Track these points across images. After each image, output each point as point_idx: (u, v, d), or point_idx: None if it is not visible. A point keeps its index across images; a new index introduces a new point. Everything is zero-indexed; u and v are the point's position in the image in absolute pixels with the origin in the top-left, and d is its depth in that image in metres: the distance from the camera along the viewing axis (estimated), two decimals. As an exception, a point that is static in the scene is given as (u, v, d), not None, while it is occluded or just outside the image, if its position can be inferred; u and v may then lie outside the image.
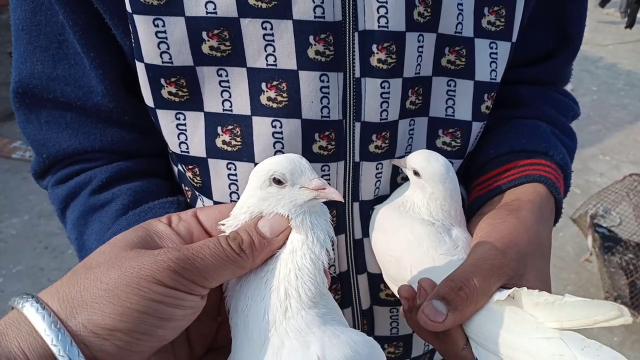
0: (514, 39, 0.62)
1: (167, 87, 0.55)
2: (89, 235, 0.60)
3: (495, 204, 0.60)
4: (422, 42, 0.57)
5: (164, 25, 0.51)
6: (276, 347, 0.39)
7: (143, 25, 0.51)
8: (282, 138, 0.55)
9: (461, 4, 0.57)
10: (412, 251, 0.55)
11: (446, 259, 0.53)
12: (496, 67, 0.62)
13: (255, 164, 0.55)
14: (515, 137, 0.66)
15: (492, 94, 0.63)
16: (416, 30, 0.56)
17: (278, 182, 0.42)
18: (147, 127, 0.60)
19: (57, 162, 0.63)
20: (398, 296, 0.53)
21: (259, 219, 0.42)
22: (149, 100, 0.56)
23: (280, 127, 0.55)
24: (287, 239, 0.42)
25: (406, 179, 0.62)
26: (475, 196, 0.64)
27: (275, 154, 0.55)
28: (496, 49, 0.61)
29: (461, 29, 0.59)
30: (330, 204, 0.58)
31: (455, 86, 0.61)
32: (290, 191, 0.42)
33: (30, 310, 0.34)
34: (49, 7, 0.56)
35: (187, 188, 0.65)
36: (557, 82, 0.77)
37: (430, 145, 0.63)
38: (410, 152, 0.62)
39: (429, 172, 0.56)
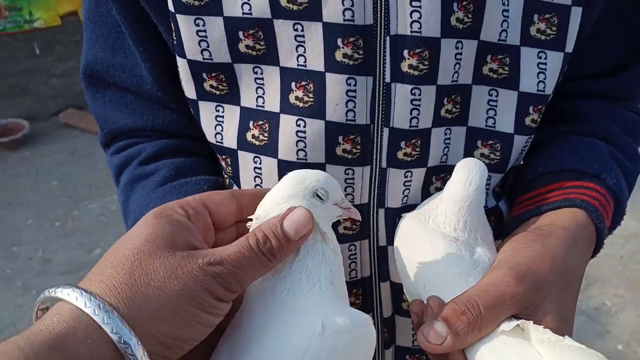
0: (569, 48, 0.57)
1: (208, 80, 0.58)
2: (132, 200, 0.66)
3: (530, 225, 0.57)
4: (461, 49, 0.55)
5: (204, 25, 0.54)
6: (287, 315, 0.42)
7: (185, 24, 0.55)
8: (305, 137, 0.56)
9: (507, 11, 0.54)
10: (428, 266, 0.53)
11: (461, 278, 0.51)
12: (545, 79, 0.58)
13: (278, 160, 0.57)
14: (567, 155, 0.61)
15: (540, 106, 0.59)
16: (454, 36, 0.54)
17: (319, 197, 0.45)
18: (192, 114, 0.64)
19: (116, 136, 0.69)
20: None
21: (284, 218, 0.43)
22: (190, 93, 0.60)
23: (304, 126, 0.55)
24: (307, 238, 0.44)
25: (439, 189, 0.60)
26: (514, 214, 0.61)
27: (297, 153, 0.56)
28: (545, 58, 0.57)
29: (505, 37, 0.56)
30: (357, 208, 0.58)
31: (497, 96, 0.58)
32: (325, 207, 0.45)
33: (99, 314, 0.35)
34: (106, 1, 0.61)
35: (225, 176, 0.68)
36: (627, 98, 0.70)
37: (468, 157, 0.59)
38: (446, 163, 0.60)
39: (455, 175, 0.53)
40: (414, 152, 0.57)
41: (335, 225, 0.56)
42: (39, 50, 3.60)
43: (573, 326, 0.51)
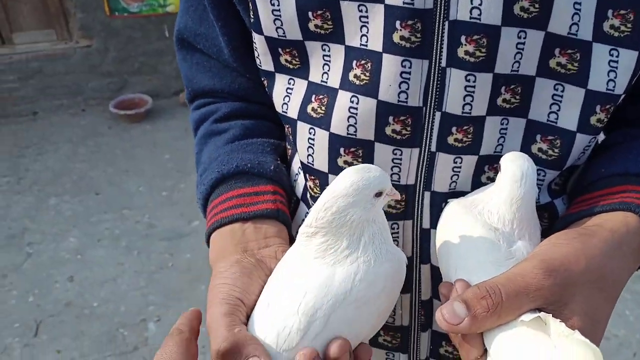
0: None
1: (283, 55, 0.62)
2: (204, 153, 0.72)
3: (579, 225, 0.55)
4: (524, 38, 0.54)
5: (278, 5, 0.58)
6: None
7: (262, 4, 0.59)
8: (356, 114, 0.58)
9: (579, 3, 0.53)
10: (462, 251, 0.53)
11: (492, 266, 0.51)
12: (615, 77, 0.55)
13: (329, 133, 0.60)
14: (634, 159, 0.59)
15: (608, 106, 0.57)
16: (516, 25, 0.53)
17: (379, 194, 0.51)
18: (263, 83, 0.69)
19: (198, 95, 0.77)
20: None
21: None
22: (267, 65, 0.65)
23: (357, 103, 0.58)
24: None
25: (492, 179, 0.60)
26: (567, 214, 0.60)
27: (347, 128, 0.59)
28: (617, 56, 0.55)
29: (576, 31, 0.54)
30: (400, 189, 0.59)
31: (563, 91, 0.57)
32: (382, 201, 0.52)
33: None
34: None
35: (289, 147, 0.72)
36: None
37: (525, 150, 0.59)
38: (500, 153, 0.59)
39: (508, 170, 0.54)
40: (465, 139, 0.58)
41: None
42: (168, 33, 3.90)
43: (604, 330, 0.49)
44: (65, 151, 3.53)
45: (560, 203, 0.65)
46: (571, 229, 0.54)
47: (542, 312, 0.45)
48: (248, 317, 0.52)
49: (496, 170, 0.59)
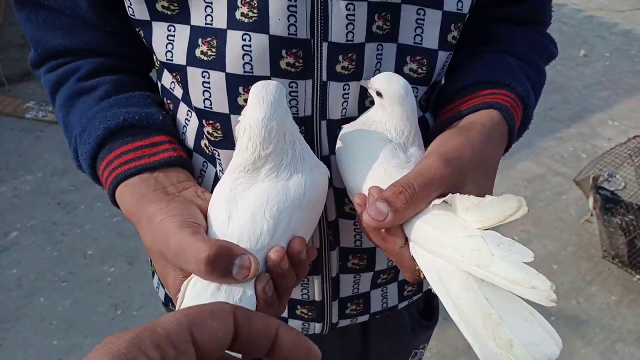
0: None
1: (160, 1, 0.61)
2: (74, 115, 0.67)
3: (453, 127, 0.65)
4: None
5: None
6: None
7: None
8: (250, 51, 0.60)
9: None
10: (367, 163, 0.59)
11: (397, 171, 0.58)
12: None
13: (226, 74, 0.61)
14: (481, 70, 0.70)
15: (459, 24, 0.66)
16: None
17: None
18: (130, 38, 0.67)
19: (50, 56, 0.71)
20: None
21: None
22: (142, 14, 0.62)
23: (250, 40, 0.59)
24: None
25: (373, 103, 0.66)
26: (439, 121, 0.69)
27: (243, 66, 0.60)
28: None
29: None
30: (299, 122, 0.63)
31: (424, 15, 0.64)
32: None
33: None
34: None
35: (168, 101, 0.71)
36: (535, 22, 0.80)
37: (398, 71, 0.66)
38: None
39: (389, 92, 0.60)
40: (350, 66, 0.62)
41: None
42: None
43: None
44: None
45: (429, 117, 0.74)
46: (452, 128, 0.63)
47: (448, 195, 0.53)
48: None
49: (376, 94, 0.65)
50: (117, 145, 0.62)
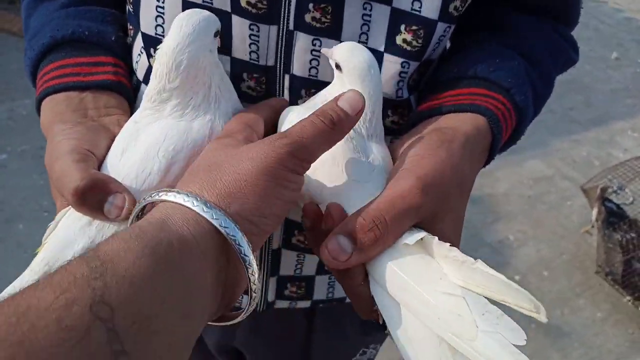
0: None
1: None
2: (34, 18, 0.65)
3: (431, 124, 0.55)
4: None
5: None
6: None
7: None
8: None
9: None
10: (325, 169, 0.49)
11: (360, 185, 0.49)
12: None
13: (183, 1, 0.55)
14: (483, 64, 0.60)
15: None
16: None
17: (217, 33, 0.52)
18: None
19: None
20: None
21: (338, 98, 0.46)
22: None
23: None
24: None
25: None
26: (418, 110, 0.60)
27: None
28: None
29: None
30: (260, 70, 0.57)
31: None
32: (216, 39, 0.53)
33: (188, 201, 0.38)
34: None
35: (130, 27, 0.65)
36: (560, 18, 0.68)
37: (389, 42, 0.57)
38: (366, 42, 0.57)
39: (349, 65, 0.51)
40: (323, 19, 0.54)
41: (238, 85, 0.58)
42: None
43: (462, 228, 0.51)
44: None
45: (414, 99, 0.65)
46: (430, 134, 0.53)
47: (425, 234, 0.44)
48: (100, 169, 0.50)
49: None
50: (59, 57, 0.58)
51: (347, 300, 0.77)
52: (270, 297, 0.71)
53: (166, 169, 0.48)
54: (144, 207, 0.43)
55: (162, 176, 0.48)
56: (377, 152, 0.52)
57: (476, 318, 0.38)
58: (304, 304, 0.74)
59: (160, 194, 0.40)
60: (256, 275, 0.40)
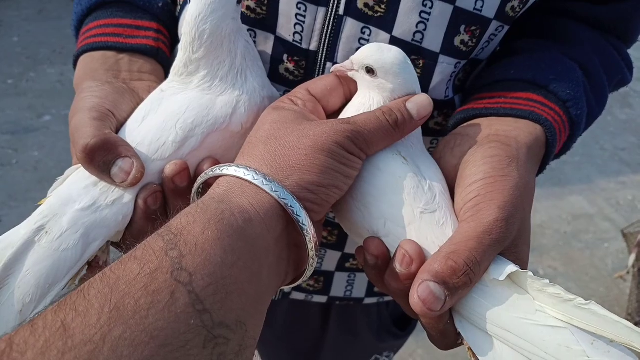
0: None
1: None
2: None
3: (482, 125, 0.52)
4: None
5: None
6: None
7: None
8: None
9: None
10: (387, 199, 0.46)
11: (428, 216, 0.45)
12: None
13: None
14: (544, 71, 0.56)
15: None
16: None
17: (239, 0, 0.50)
18: None
19: None
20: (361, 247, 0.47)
21: (407, 99, 0.47)
22: None
23: None
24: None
25: (423, 71, 0.54)
26: (469, 107, 0.55)
27: None
28: None
29: None
30: (302, 54, 0.55)
31: None
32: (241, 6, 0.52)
33: (248, 175, 0.40)
34: None
35: None
36: (617, 34, 0.64)
37: (447, 43, 0.54)
38: (420, 44, 0.53)
39: (387, 63, 0.47)
40: (377, 7, 0.51)
41: (276, 66, 0.56)
42: None
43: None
44: None
45: (458, 99, 0.62)
46: (491, 143, 0.49)
47: (516, 269, 0.42)
48: (117, 132, 0.49)
49: (415, 65, 0.52)
50: (103, 16, 0.58)
51: (365, 301, 0.74)
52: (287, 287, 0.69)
53: (181, 142, 0.47)
54: (204, 183, 0.44)
55: (176, 148, 0.47)
56: (429, 169, 0.48)
57: (585, 348, 0.37)
58: (321, 298, 0.72)
59: (221, 169, 0.42)
60: (313, 243, 0.42)
